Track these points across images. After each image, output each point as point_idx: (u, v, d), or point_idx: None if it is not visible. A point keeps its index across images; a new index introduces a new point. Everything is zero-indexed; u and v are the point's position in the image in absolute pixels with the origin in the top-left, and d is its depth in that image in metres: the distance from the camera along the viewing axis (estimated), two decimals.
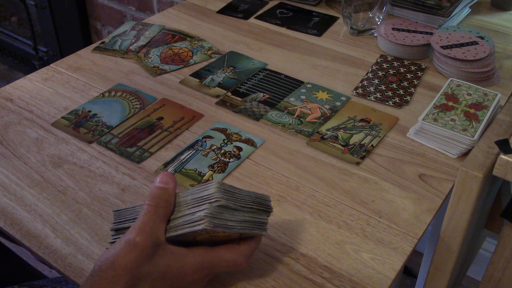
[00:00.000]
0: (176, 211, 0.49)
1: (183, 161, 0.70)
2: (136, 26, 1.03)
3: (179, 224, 0.48)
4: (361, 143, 0.73)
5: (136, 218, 0.51)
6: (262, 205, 0.52)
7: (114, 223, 0.52)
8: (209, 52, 0.95)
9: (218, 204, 0.48)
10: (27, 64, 2.26)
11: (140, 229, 0.46)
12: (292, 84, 0.86)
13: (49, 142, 0.74)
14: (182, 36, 1.00)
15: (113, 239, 0.51)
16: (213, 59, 0.93)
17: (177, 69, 0.90)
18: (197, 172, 0.68)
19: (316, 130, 0.76)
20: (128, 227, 0.51)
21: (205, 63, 0.92)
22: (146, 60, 0.92)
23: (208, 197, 0.48)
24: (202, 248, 0.49)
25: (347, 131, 0.75)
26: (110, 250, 0.46)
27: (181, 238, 0.48)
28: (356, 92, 0.84)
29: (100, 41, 0.98)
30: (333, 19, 1.08)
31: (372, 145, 0.73)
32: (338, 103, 0.81)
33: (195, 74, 0.89)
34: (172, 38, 0.99)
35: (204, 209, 0.47)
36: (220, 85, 0.86)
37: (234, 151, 0.72)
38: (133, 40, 0.98)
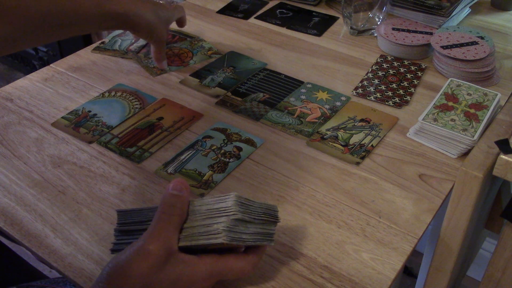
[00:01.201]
0: (189, 220, 0.49)
1: (183, 161, 0.70)
2: None
3: (194, 235, 0.48)
4: (361, 143, 0.73)
5: (142, 221, 0.50)
6: (271, 216, 0.52)
7: (118, 224, 0.52)
8: (209, 52, 0.95)
9: (235, 217, 0.48)
10: (27, 64, 2.26)
11: (154, 237, 0.46)
12: (292, 84, 0.86)
13: (49, 142, 0.74)
14: (182, 36, 1.00)
15: (117, 240, 0.51)
16: (213, 59, 0.93)
17: (176, 70, 0.90)
18: (197, 172, 0.68)
19: (316, 130, 0.76)
20: (134, 230, 0.50)
21: (205, 63, 0.92)
22: (146, 61, 0.92)
23: (225, 210, 0.48)
24: (212, 256, 0.49)
25: (347, 131, 0.75)
26: (121, 256, 0.46)
27: (194, 248, 0.49)
28: (356, 92, 0.84)
29: (100, 41, 0.98)
30: (333, 19, 1.08)
31: (372, 145, 0.73)
32: (338, 103, 0.81)
33: (195, 74, 0.89)
34: (172, 38, 0.99)
35: (221, 222, 0.47)
36: (220, 85, 0.86)
37: (234, 151, 0.72)
38: (133, 40, 0.98)
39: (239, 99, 0.83)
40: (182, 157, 0.71)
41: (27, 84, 0.86)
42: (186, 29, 1.02)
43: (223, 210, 0.48)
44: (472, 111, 0.73)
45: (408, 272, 1.45)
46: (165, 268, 0.46)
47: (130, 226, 0.51)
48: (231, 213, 0.48)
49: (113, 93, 0.83)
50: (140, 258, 0.45)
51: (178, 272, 0.47)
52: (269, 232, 0.52)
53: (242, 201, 0.49)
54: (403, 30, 0.96)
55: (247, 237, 0.49)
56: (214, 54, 0.94)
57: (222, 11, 1.10)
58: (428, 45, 0.92)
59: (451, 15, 0.97)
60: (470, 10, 1.08)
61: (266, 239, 0.51)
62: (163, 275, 0.46)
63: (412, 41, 0.92)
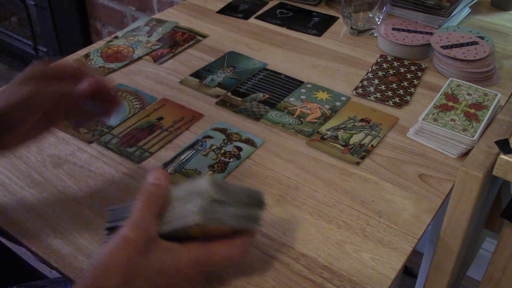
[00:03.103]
0: (169, 207, 0.49)
1: (183, 161, 0.70)
2: (150, 22, 1.04)
3: (172, 220, 0.48)
4: (361, 143, 0.73)
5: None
6: (254, 200, 0.51)
7: (108, 222, 0.52)
8: (149, 44, 0.96)
9: (211, 199, 0.48)
10: (27, 64, 2.26)
11: (134, 225, 0.46)
12: (292, 84, 0.86)
13: (49, 142, 0.74)
14: (192, 34, 1.00)
15: (107, 238, 0.51)
16: (213, 59, 0.93)
17: (124, 66, 0.90)
18: (197, 172, 0.68)
19: (316, 130, 0.76)
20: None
21: (148, 53, 0.92)
22: (89, 63, 0.91)
23: (201, 192, 0.48)
24: (196, 243, 0.49)
25: (347, 131, 0.75)
26: (104, 248, 0.46)
27: (175, 234, 0.48)
28: (356, 92, 0.84)
29: (113, 36, 0.99)
30: (333, 19, 1.08)
31: (372, 145, 0.73)
32: (338, 103, 0.81)
33: (195, 74, 0.89)
34: (182, 36, 0.99)
35: (196, 204, 0.47)
36: (220, 85, 0.86)
37: (234, 151, 0.72)
38: (146, 37, 0.99)
39: (239, 99, 0.83)
40: (182, 157, 0.71)
41: None
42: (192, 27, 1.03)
43: (199, 193, 0.48)
44: (472, 111, 0.73)
45: (408, 272, 1.45)
46: (147, 257, 0.46)
47: (118, 222, 0.51)
48: (206, 195, 0.47)
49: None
50: (120, 247, 0.45)
51: (161, 260, 0.46)
52: (253, 216, 0.51)
53: (219, 183, 0.49)
54: (403, 30, 0.96)
55: (227, 219, 0.48)
56: (155, 46, 0.96)
57: (222, 11, 1.10)
58: (428, 45, 0.92)
59: (451, 15, 0.97)
60: (470, 10, 1.08)
61: (251, 222, 0.51)
62: (146, 263, 0.45)
63: (412, 41, 0.92)
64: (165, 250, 0.47)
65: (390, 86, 0.86)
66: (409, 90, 0.85)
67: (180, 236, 0.49)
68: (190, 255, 0.48)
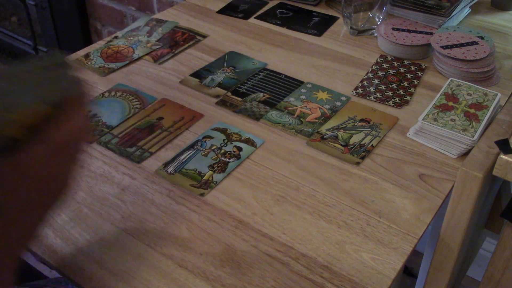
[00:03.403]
0: None
1: (183, 161, 0.70)
2: (150, 22, 1.04)
3: None
4: (361, 143, 0.73)
5: None
6: (54, 65, 0.46)
7: None
8: (149, 44, 0.97)
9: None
10: None
11: None
12: (292, 84, 0.86)
13: None
14: (191, 34, 1.00)
15: None
16: (213, 59, 0.93)
17: (124, 66, 0.90)
18: (197, 172, 0.68)
19: (316, 130, 0.76)
20: None
21: (148, 53, 0.92)
22: (89, 63, 0.91)
23: None
24: (32, 142, 0.41)
25: (347, 131, 0.75)
26: None
27: (2, 149, 0.41)
28: (356, 92, 0.84)
29: (113, 36, 0.99)
30: (333, 19, 1.08)
31: (372, 145, 0.73)
32: (338, 103, 0.81)
33: (195, 74, 0.89)
34: (182, 36, 1.00)
35: None
36: (220, 85, 0.86)
37: (234, 151, 0.72)
38: (146, 37, 0.99)
39: (239, 99, 0.83)
40: (182, 157, 0.71)
41: None
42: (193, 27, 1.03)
43: None
44: (472, 111, 0.73)
45: (408, 272, 1.45)
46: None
47: None
48: None
49: (113, 93, 0.83)
50: None
51: (15, 182, 0.40)
52: (65, 82, 0.45)
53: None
54: (403, 30, 0.96)
55: (32, 102, 0.42)
56: (155, 46, 0.96)
57: (222, 11, 1.10)
58: (428, 45, 0.92)
59: (451, 15, 0.97)
60: (470, 10, 1.08)
61: (64, 87, 0.44)
62: (7, 198, 0.40)
63: (412, 41, 0.92)
64: (6, 171, 0.40)
65: (390, 86, 0.86)
66: (409, 90, 0.85)
67: (11, 147, 0.41)
68: (34, 157, 0.41)
